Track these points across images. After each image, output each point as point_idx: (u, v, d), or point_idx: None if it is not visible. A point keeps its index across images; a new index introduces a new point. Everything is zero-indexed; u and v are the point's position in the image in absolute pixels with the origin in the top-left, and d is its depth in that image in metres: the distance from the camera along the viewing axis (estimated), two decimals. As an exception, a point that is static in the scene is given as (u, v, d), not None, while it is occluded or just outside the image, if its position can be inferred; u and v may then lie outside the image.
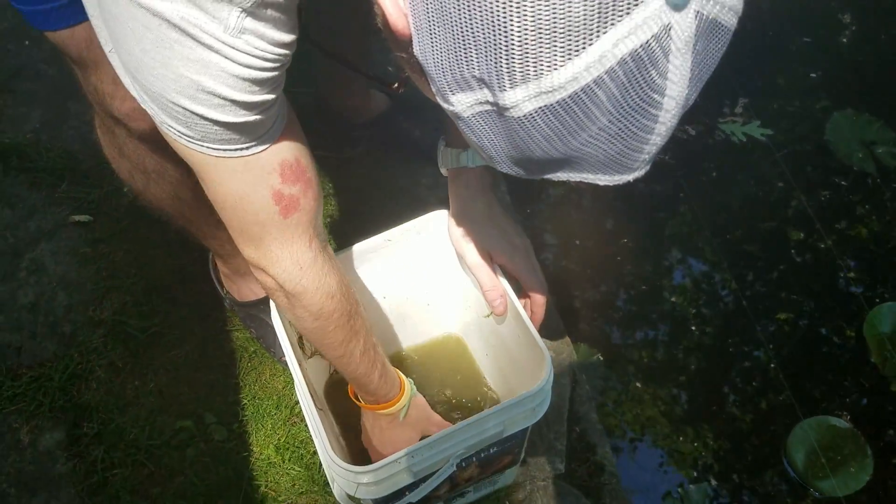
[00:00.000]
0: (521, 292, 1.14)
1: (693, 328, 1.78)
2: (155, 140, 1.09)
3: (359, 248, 1.19)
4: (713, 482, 1.64)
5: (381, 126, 1.72)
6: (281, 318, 1.10)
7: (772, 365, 1.72)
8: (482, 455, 1.13)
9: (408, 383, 1.11)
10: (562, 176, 0.61)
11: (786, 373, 1.71)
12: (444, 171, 1.13)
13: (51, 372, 1.50)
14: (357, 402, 1.12)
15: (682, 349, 1.77)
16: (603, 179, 0.61)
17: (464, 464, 1.11)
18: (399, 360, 1.39)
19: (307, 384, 1.05)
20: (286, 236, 0.86)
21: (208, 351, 1.53)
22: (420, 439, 1.11)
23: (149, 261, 1.64)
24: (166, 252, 1.64)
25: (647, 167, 0.62)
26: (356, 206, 1.69)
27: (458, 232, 1.13)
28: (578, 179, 0.61)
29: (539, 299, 1.13)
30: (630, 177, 0.61)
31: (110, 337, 1.55)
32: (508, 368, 1.25)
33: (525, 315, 1.09)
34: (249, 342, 1.54)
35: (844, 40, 2.24)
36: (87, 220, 1.70)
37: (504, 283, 1.13)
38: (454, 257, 1.24)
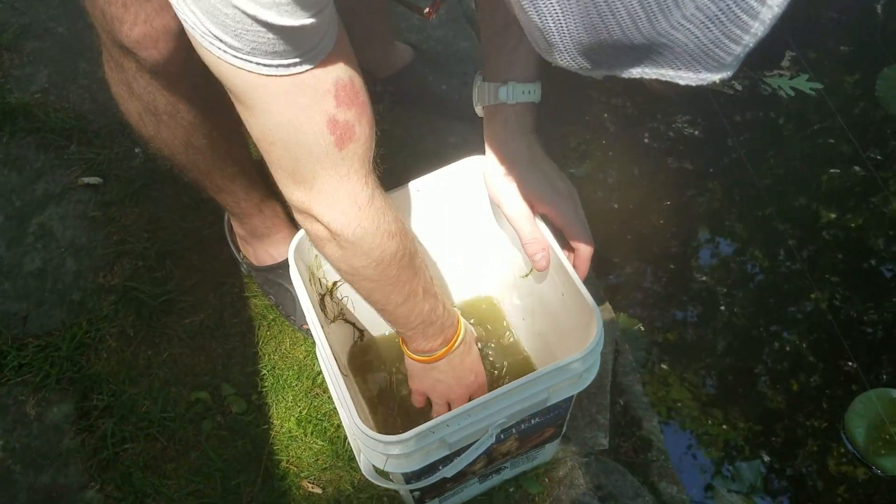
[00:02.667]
0: (564, 245, 1.03)
1: (722, 307, 1.67)
2: (167, 75, 0.99)
3: (391, 195, 1.08)
4: (766, 458, 1.53)
5: (404, 80, 1.61)
6: (301, 279, 1.00)
7: (823, 337, 1.60)
8: (522, 427, 1.02)
9: (461, 318, 1.07)
10: (636, 72, 0.50)
11: (839, 344, 1.58)
12: (479, 110, 1.02)
13: (58, 341, 1.41)
14: (416, 359, 1.04)
15: (721, 322, 1.65)
16: (685, 77, 0.50)
17: (503, 435, 1.00)
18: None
19: (331, 348, 0.95)
20: (342, 172, 0.77)
21: (224, 319, 1.43)
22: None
23: (162, 224, 1.54)
24: (180, 215, 1.55)
25: (736, 68, 0.51)
26: (379, 164, 1.58)
27: (495, 177, 1.01)
28: (656, 76, 0.50)
29: (585, 252, 1.01)
30: (716, 76, 0.50)
31: (121, 304, 1.45)
32: (550, 332, 1.14)
33: (571, 269, 0.98)
34: (268, 309, 1.44)
35: (900, -10, 2.09)
36: (96, 183, 1.61)
37: (547, 235, 1.01)
38: (489, 210, 1.13)
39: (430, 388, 1.07)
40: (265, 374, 1.37)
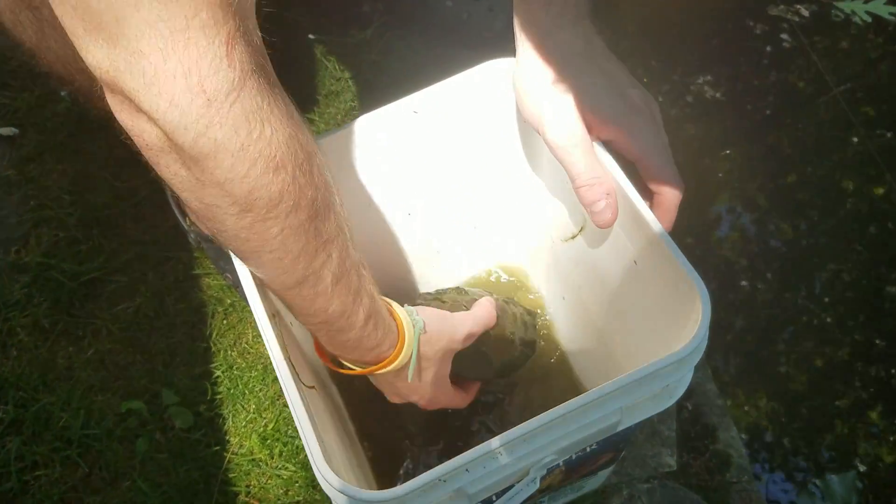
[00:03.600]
0: (640, 187, 0.69)
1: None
2: None
3: (363, 123, 0.74)
4: (861, 468, 1.21)
5: (398, -4, 1.26)
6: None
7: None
8: (573, 457, 0.70)
9: (405, 318, 0.68)
10: None
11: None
12: None
13: (-49, 336, 1.09)
14: (334, 368, 0.69)
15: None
16: None
17: (547, 472, 0.68)
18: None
19: (282, 348, 0.62)
20: (176, 24, 0.42)
21: (167, 305, 1.10)
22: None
23: (90, 184, 1.21)
24: (113, 172, 1.21)
25: None
26: (365, 105, 1.24)
27: (533, 87, 0.67)
28: None
29: (670, 198, 0.66)
30: None
31: (36, 287, 1.13)
32: (607, 319, 0.81)
33: (654, 220, 0.63)
34: (225, 292, 1.11)
35: None
36: (11, 134, 1.28)
37: (614, 171, 0.67)
38: (518, 138, 0.79)
39: (389, 393, 0.75)
40: (219, 377, 1.04)
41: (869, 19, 1.59)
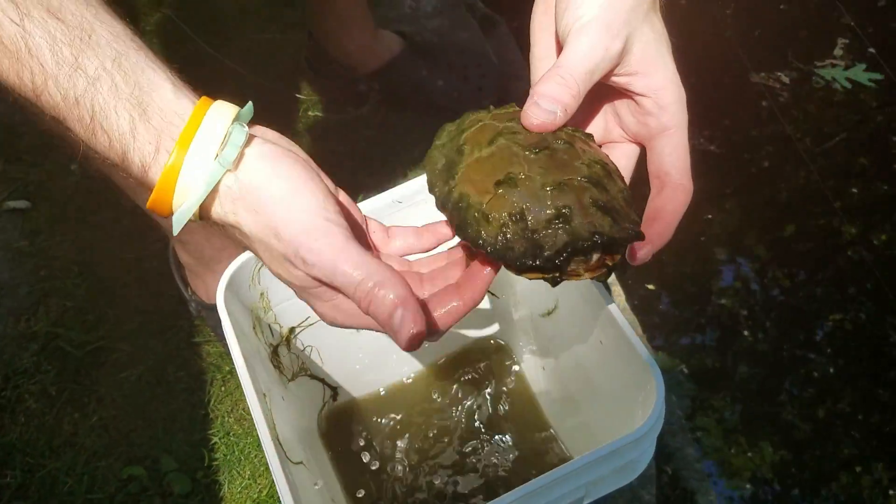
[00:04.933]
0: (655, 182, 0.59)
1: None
2: None
3: (353, 216, 0.80)
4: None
5: (393, 75, 1.33)
6: (235, 326, 0.72)
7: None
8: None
9: (214, 127, 0.49)
10: None
11: None
12: None
13: (-37, 403, 1.14)
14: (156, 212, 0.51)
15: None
16: None
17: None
18: (401, 391, 0.99)
19: (270, 428, 0.66)
20: None
21: (168, 372, 1.15)
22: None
23: (97, 256, 1.27)
24: (120, 244, 1.27)
25: None
26: (363, 178, 1.30)
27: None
28: None
29: (679, 193, 0.57)
30: None
31: (44, 355, 1.18)
32: (581, 392, 0.85)
33: (617, 312, 0.68)
34: (224, 359, 1.16)
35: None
36: (24, 208, 1.34)
37: (578, 77, 0.54)
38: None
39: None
40: (216, 443, 1.09)
41: (849, 86, 1.64)
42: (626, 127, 0.60)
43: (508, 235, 0.52)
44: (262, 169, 0.50)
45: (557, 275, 0.52)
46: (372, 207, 0.78)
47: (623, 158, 0.61)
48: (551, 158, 0.54)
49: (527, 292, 0.90)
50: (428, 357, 0.98)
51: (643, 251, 0.56)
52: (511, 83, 1.49)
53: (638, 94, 0.57)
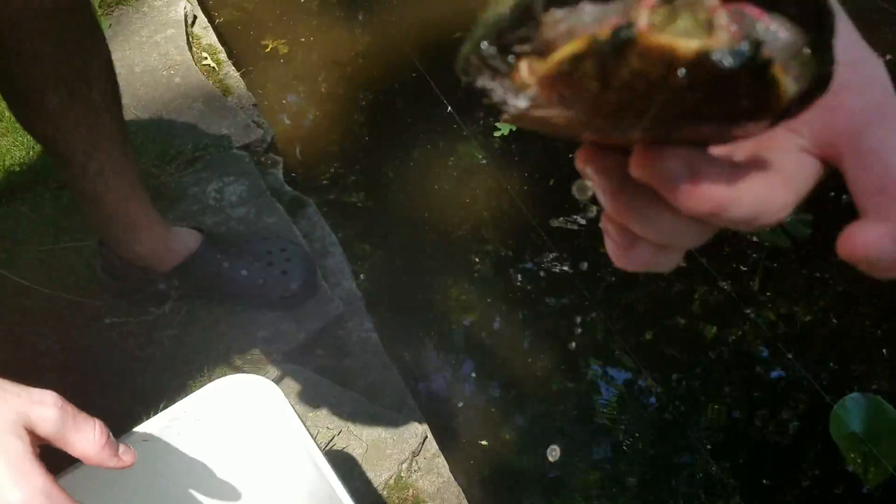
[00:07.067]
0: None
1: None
2: None
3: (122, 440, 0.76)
4: None
5: (193, 271, 1.31)
6: None
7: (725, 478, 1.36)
8: None
9: None
10: None
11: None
12: None
13: None
14: None
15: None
16: None
17: None
18: None
19: None
20: None
21: None
22: None
23: None
24: None
25: None
26: (166, 381, 1.25)
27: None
28: None
29: None
30: None
31: None
32: None
33: None
34: None
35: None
36: None
37: None
38: (292, 444, 0.82)
39: None
40: None
41: (788, 243, 1.72)
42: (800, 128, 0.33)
43: None
44: None
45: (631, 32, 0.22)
46: (135, 437, 0.74)
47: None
48: None
49: None
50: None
51: (877, 231, 0.29)
52: (323, 259, 1.51)
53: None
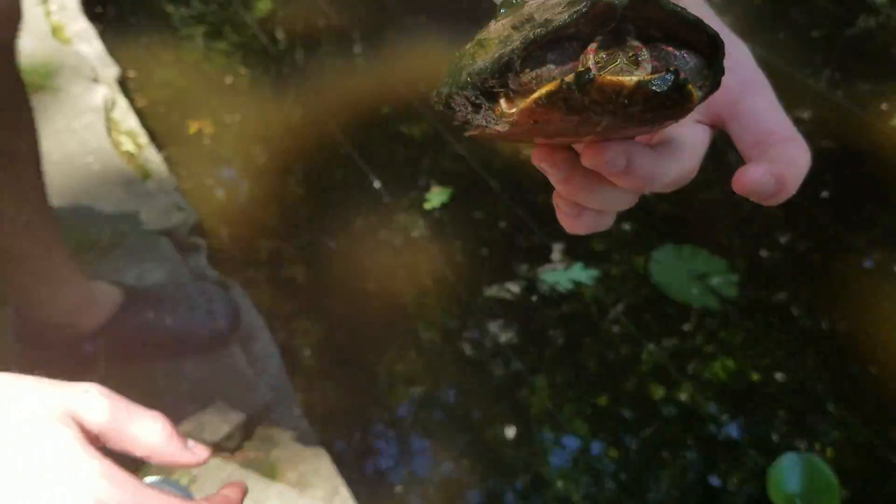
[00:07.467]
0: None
1: None
2: None
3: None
4: None
5: (119, 327, 1.27)
6: None
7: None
8: None
9: None
10: None
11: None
12: None
13: None
14: None
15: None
16: None
17: None
18: None
19: None
20: None
21: None
22: None
23: None
24: None
25: None
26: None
27: None
28: None
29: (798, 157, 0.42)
30: None
31: None
32: None
33: None
34: None
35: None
36: None
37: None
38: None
39: None
40: None
41: (572, 286, 1.77)
42: None
43: (509, 37, 0.36)
44: None
45: (587, 69, 0.33)
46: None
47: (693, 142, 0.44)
48: None
49: None
50: None
51: (759, 169, 0.40)
52: (249, 345, 1.47)
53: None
